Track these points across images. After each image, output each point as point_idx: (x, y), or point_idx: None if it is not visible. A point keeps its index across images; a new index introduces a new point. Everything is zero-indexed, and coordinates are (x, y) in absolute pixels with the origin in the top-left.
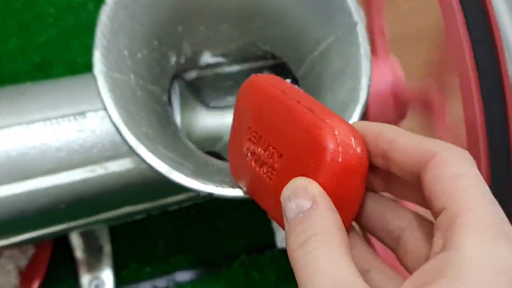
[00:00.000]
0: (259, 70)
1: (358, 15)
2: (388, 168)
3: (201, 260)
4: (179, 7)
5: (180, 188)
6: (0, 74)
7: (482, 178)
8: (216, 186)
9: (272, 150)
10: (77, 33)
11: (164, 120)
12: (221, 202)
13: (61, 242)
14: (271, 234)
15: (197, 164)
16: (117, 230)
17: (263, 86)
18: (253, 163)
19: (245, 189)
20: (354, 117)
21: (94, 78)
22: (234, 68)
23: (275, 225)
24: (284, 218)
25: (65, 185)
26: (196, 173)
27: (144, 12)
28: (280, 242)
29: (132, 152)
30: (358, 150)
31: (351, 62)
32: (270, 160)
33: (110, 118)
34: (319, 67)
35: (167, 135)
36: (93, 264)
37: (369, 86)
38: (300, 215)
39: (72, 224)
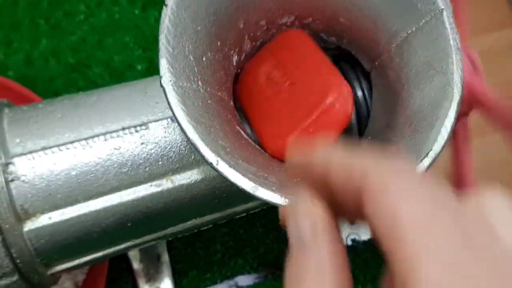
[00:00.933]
0: None
1: (443, 1)
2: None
3: (263, 263)
4: (240, 2)
5: (252, 197)
6: (33, 77)
7: (418, 186)
8: None
9: (287, 77)
10: (110, 30)
11: (236, 129)
12: None
13: None
14: None
15: (278, 176)
16: None
17: (304, 36)
18: (264, 86)
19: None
20: (450, 116)
21: (163, 89)
22: None
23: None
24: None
25: (131, 202)
26: (282, 187)
27: (206, 11)
28: (344, 239)
29: (210, 167)
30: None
31: (438, 54)
32: (281, 82)
33: (185, 133)
34: (399, 60)
35: (243, 146)
36: (152, 274)
37: (462, 81)
38: (299, 250)
39: (138, 241)
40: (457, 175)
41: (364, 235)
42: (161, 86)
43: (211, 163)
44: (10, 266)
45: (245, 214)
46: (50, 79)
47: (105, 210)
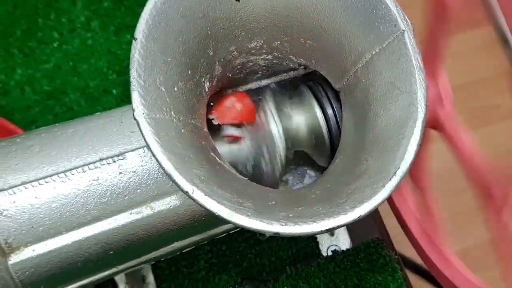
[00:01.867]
0: (290, 81)
1: (404, 23)
2: None
3: (247, 277)
4: (208, 30)
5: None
6: (10, 106)
7: None
8: (282, 226)
9: None
10: (84, 56)
11: (210, 155)
12: None
13: None
14: (315, 243)
15: (255, 201)
16: None
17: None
18: None
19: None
20: (416, 134)
21: (136, 122)
22: (264, 82)
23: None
24: None
25: (112, 230)
26: (258, 212)
27: (175, 41)
28: (325, 251)
29: (186, 196)
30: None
31: (402, 74)
32: None
33: (160, 165)
34: (365, 80)
35: (218, 172)
36: None
37: (426, 99)
38: None
39: (121, 267)
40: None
41: (343, 245)
42: (135, 119)
43: (187, 192)
44: None
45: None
46: (27, 107)
47: (88, 239)
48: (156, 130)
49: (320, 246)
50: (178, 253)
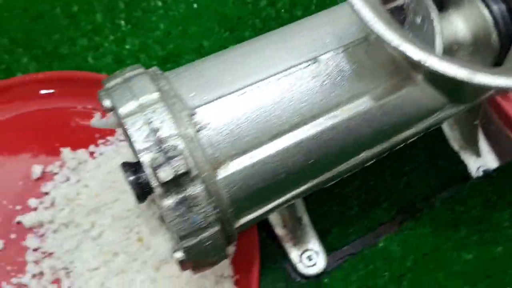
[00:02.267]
0: None
1: None
2: None
3: (400, 208)
4: None
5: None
6: None
7: None
8: None
9: None
10: (192, 19)
11: None
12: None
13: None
14: (462, 166)
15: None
16: (307, 198)
17: None
18: None
19: None
20: None
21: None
22: None
23: (465, 155)
24: None
25: (311, 136)
26: (495, 73)
27: None
28: (474, 172)
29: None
30: None
31: None
32: None
33: (387, 41)
34: None
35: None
36: (298, 237)
37: None
38: None
39: (315, 181)
40: None
41: (492, 164)
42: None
43: (419, 61)
44: (213, 216)
45: (374, 161)
46: None
47: (289, 148)
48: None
49: (468, 169)
50: (358, 168)
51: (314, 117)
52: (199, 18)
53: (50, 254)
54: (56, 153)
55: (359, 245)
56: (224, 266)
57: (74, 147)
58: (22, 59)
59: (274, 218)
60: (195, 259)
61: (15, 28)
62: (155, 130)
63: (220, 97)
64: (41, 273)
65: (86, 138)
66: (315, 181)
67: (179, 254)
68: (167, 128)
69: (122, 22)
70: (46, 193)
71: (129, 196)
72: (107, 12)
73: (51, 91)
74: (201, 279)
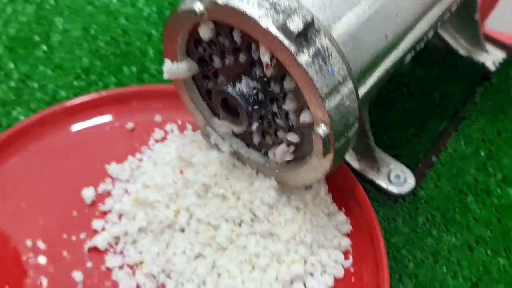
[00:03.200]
0: None
1: None
2: None
3: (449, 117)
4: None
5: None
6: None
7: None
8: None
9: None
10: None
11: None
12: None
13: None
14: (476, 67)
15: None
16: None
17: None
18: None
19: None
20: None
21: None
22: None
23: (478, 56)
24: None
25: None
26: None
27: None
28: (492, 65)
29: None
30: None
31: None
32: None
33: None
34: None
35: None
36: (377, 164)
37: None
38: None
39: (406, 41)
40: None
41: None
42: None
43: None
44: (345, 69)
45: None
46: None
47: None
48: None
49: (486, 67)
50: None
51: None
52: None
53: (140, 263)
54: (101, 171)
55: (431, 157)
56: (329, 203)
57: (119, 161)
58: None
59: (348, 157)
60: (338, 128)
61: None
62: None
63: None
64: (138, 286)
65: (126, 150)
66: (406, 41)
67: (322, 129)
68: None
69: None
70: (109, 211)
71: (208, 157)
72: None
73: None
74: (314, 218)
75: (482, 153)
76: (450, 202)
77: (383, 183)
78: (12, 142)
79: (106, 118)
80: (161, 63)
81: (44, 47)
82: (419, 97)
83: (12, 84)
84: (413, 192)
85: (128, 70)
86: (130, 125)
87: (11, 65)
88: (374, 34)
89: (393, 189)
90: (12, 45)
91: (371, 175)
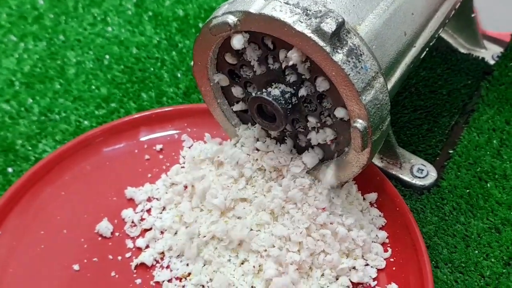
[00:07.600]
0: None
1: None
2: None
3: (458, 110)
4: None
5: None
6: None
7: None
8: None
9: None
10: None
11: None
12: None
13: None
14: (477, 62)
15: None
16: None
17: None
18: None
19: None
20: None
21: None
22: None
23: (477, 52)
24: None
25: None
26: None
27: None
28: (492, 59)
29: None
30: None
31: None
32: None
33: None
34: None
35: None
36: (399, 161)
37: None
38: None
39: (421, 39)
40: None
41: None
42: None
43: None
44: (376, 65)
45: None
46: None
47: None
48: None
49: (486, 61)
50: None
51: None
52: None
53: (188, 275)
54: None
55: (448, 149)
56: (361, 199)
57: (152, 181)
58: None
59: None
60: (374, 121)
61: None
62: (296, 3)
63: None
64: None
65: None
66: (421, 38)
67: (360, 123)
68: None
69: None
70: (150, 229)
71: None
72: None
73: None
74: (350, 215)
75: (495, 142)
76: (472, 189)
77: (407, 177)
78: (48, 171)
79: (132, 140)
80: (177, 86)
81: (61, 80)
82: (427, 95)
83: (34, 118)
84: (436, 184)
85: (146, 95)
86: (158, 146)
87: (30, 100)
88: (395, 32)
89: (418, 182)
90: (28, 81)
91: (395, 171)
